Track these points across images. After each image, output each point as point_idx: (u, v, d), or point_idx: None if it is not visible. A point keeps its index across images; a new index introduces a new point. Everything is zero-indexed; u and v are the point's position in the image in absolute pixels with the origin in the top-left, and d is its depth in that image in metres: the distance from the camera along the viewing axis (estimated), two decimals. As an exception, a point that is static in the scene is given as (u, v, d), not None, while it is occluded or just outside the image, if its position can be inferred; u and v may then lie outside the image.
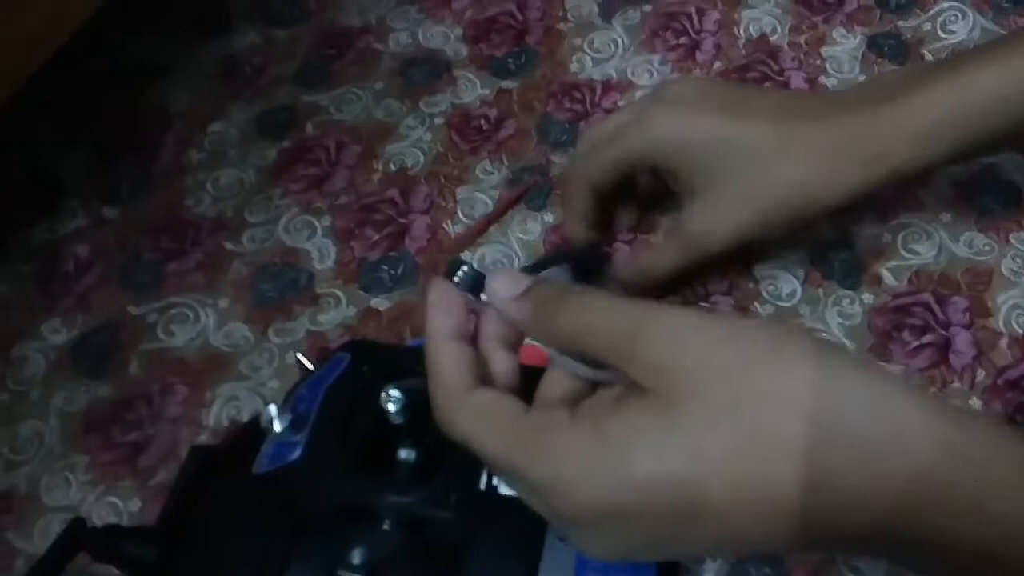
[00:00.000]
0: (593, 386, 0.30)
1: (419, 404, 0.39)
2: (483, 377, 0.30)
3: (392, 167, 0.60)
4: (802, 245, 0.53)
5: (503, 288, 0.31)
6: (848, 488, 0.23)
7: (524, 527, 0.36)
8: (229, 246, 0.57)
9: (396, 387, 0.38)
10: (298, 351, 0.50)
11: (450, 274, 0.32)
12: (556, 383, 0.30)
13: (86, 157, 0.63)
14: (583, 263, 0.39)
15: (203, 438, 0.49)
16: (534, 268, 0.38)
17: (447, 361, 0.29)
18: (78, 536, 0.40)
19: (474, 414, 0.28)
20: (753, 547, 0.25)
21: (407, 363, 0.42)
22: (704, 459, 0.24)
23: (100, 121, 0.64)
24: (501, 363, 0.31)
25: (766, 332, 0.25)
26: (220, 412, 0.50)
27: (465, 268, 0.31)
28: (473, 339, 0.31)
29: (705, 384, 0.25)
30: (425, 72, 0.64)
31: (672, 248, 0.45)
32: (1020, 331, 0.50)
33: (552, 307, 0.29)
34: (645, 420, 0.25)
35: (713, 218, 0.43)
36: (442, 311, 0.30)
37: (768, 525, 0.24)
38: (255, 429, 0.41)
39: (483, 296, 0.31)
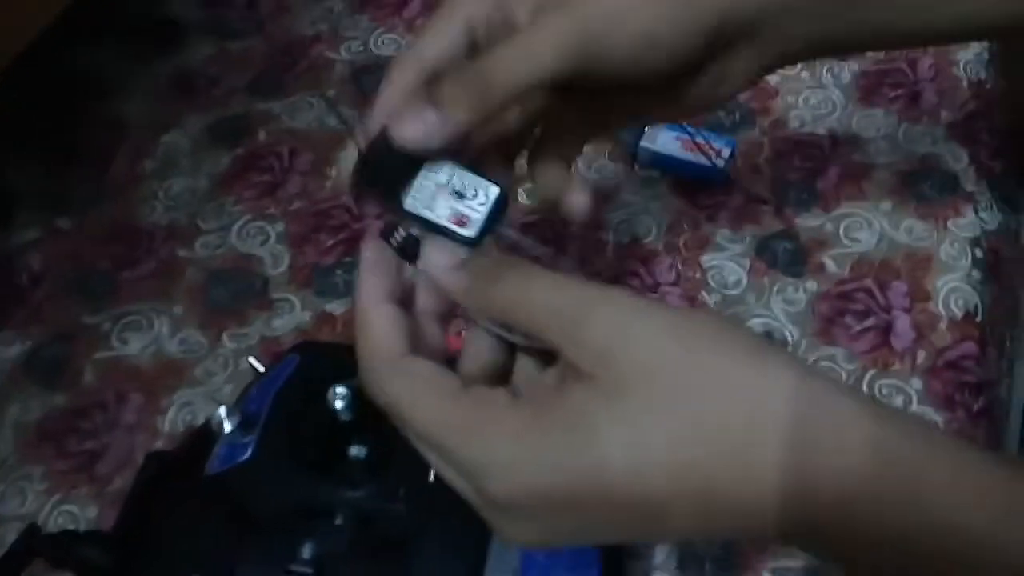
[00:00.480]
0: (511, 358, 0.30)
1: (367, 401, 0.39)
2: (414, 348, 0.28)
3: (345, 174, 0.60)
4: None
5: (440, 256, 0.29)
6: (783, 482, 0.24)
7: (473, 518, 0.37)
8: (183, 253, 0.57)
9: (343, 385, 0.38)
10: (252, 356, 0.51)
11: (386, 236, 0.30)
12: (478, 354, 0.29)
13: (38, 169, 0.63)
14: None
15: (159, 444, 0.50)
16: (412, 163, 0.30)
17: (381, 322, 0.28)
18: (33, 543, 0.40)
19: (408, 382, 0.27)
20: (686, 533, 0.25)
21: (356, 363, 0.42)
22: (648, 448, 0.24)
23: (52, 133, 0.64)
24: (433, 337, 0.30)
25: (708, 324, 0.26)
26: (176, 418, 0.51)
27: (402, 232, 0.30)
28: (406, 306, 0.30)
29: (650, 373, 0.24)
30: (378, 80, 0.64)
31: (536, 39, 0.30)
32: (959, 313, 0.51)
33: (490, 279, 0.28)
34: (589, 406, 0.24)
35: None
36: (375, 272, 0.29)
37: (705, 513, 0.24)
38: (208, 432, 0.42)
39: (418, 264, 0.30)
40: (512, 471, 0.25)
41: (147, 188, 0.61)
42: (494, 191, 0.30)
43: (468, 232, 0.30)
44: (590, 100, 0.35)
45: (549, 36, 0.30)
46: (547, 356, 0.29)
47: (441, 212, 0.30)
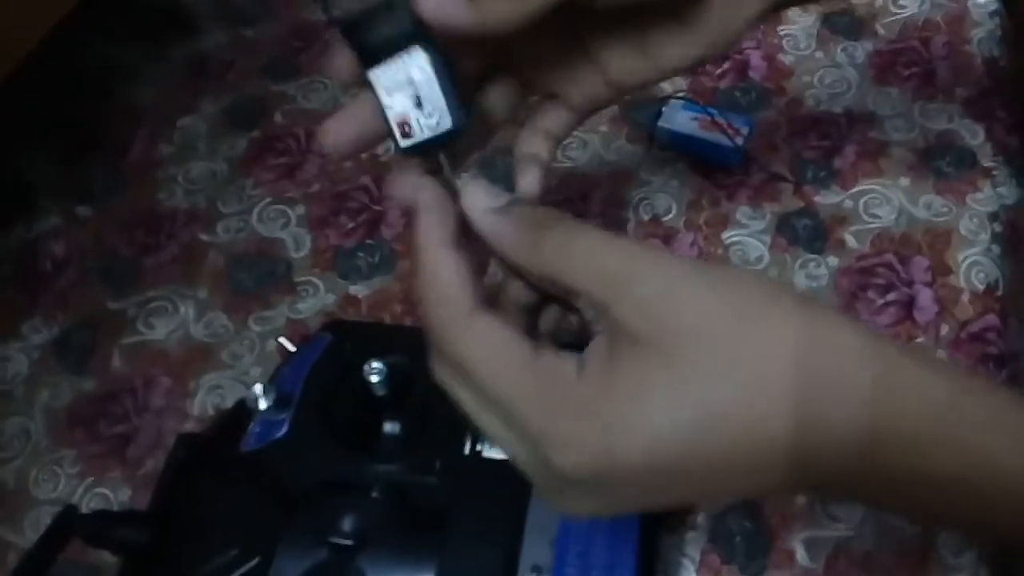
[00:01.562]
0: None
1: (401, 377, 0.40)
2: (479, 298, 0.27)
3: (363, 154, 0.60)
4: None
5: (482, 198, 0.27)
6: (833, 427, 0.24)
7: (509, 489, 0.37)
8: (204, 237, 0.58)
9: (378, 360, 0.39)
10: (280, 337, 0.51)
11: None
12: (518, 309, 0.29)
13: (58, 158, 0.63)
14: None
15: (189, 427, 0.50)
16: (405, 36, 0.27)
17: (449, 272, 0.26)
18: (70, 523, 0.40)
19: (481, 342, 0.25)
20: (745, 492, 0.26)
21: (388, 341, 0.43)
22: (709, 411, 0.24)
23: (70, 122, 0.65)
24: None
25: (757, 284, 0.26)
26: (204, 401, 0.51)
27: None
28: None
29: (705, 334, 0.24)
30: (392, 60, 0.65)
31: None
32: (980, 287, 0.51)
33: (538, 231, 0.27)
34: (652, 372, 0.24)
35: None
36: (437, 214, 0.27)
37: (763, 471, 0.24)
38: (241, 413, 0.42)
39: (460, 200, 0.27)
40: (581, 444, 0.24)
41: (165, 173, 0.61)
42: (446, 123, 0.27)
43: (402, 143, 0.28)
44: (598, 40, 0.33)
45: None
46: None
47: (395, 106, 0.27)
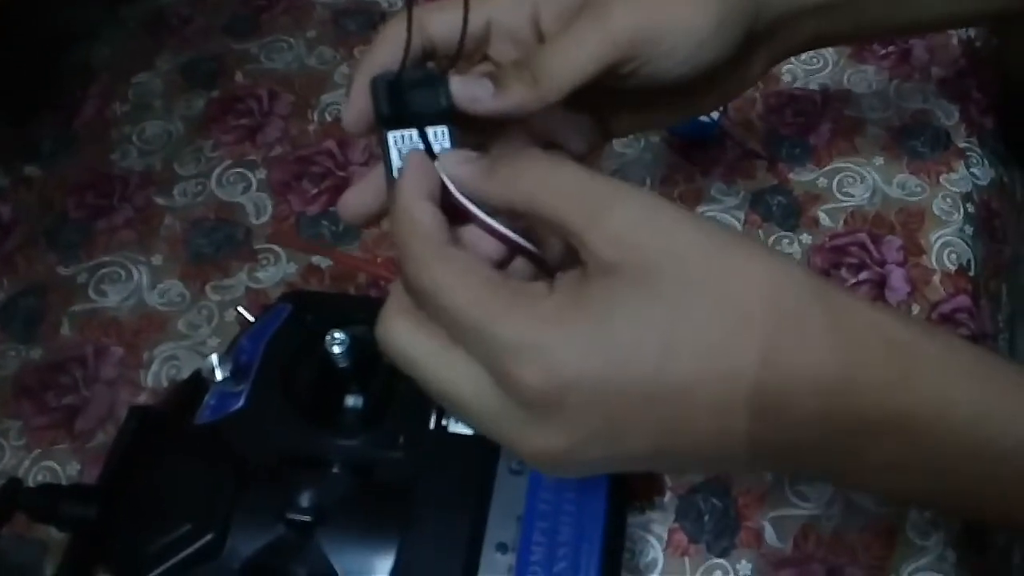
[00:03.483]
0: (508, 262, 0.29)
1: (364, 350, 0.38)
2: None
3: (328, 117, 0.58)
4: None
5: (459, 155, 0.29)
6: (799, 368, 0.24)
7: (474, 465, 0.36)
8: (160, 201, 0.55)
9: (341, 331, 0.37)
10: (238, 306, 0.49)
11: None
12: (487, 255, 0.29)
13: (5, 117, 0.60)
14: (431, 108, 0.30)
15: (142, 399, 0.48)
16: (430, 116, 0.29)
17: (425, 214, 0.27)
18: (14, 497, 0.39)
19: (450, 265, 0.26)
20: (708, 442, 0.25)
21: (351, 311, 0.41)
22: (677, 335, 0.24)
23: (19, 83, 0.62)
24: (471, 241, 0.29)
25: (727, 227, 0.27)
26: (159, 372, 0.49)
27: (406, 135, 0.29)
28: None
29: (677, 261, 0.24)
30: (359, 22, 0.63)
31: (594, 35, 0.31)
32: (952, 267, 0.51)
33: (515, 163, 0.27)
34: (623, 291, 0.24)
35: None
36: (420, 174, 0.28)
37: (723, 410, 0.24)
38: (196, 385, 0.40)
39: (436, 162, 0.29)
40: (552, 352, 0.24)
41: (119, 133, 0.59)
42: None
43: None
44: (612, 104, 0.36)
45: (607, 33, 0.31)
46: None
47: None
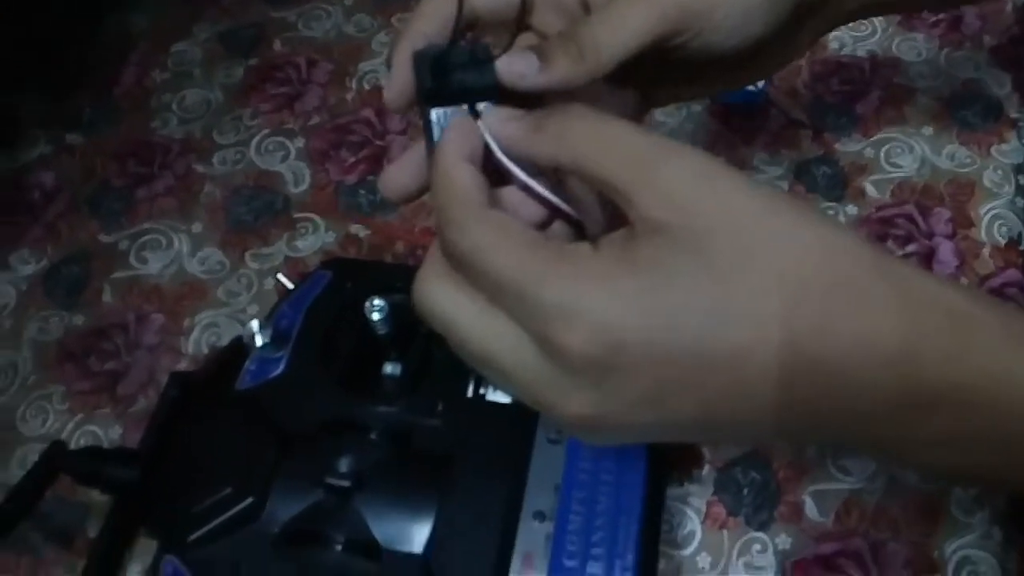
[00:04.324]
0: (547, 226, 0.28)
1: (403, 317, 0.38)
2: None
3: (366, 86, 0.58)
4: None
5: (503, 112, 0.28)
6: (854, 337, 0.23)
7: (512, 433, 0.36)
8: (200, 168, 0.56)
9: (380, 298, 0.37)
10: (278, 274, 0.49)
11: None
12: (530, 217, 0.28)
13: (47, 86, 0.60)
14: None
15: (183, 365, 0.48)
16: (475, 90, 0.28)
17: (465, 176, 0.26)
18: (58, 459, 0.39)
19: (490, 228, 0.25)
20: (749, 411, 0.24)
21: (390, 279, 0.41)
22: (732, 297, 0.23)
23: (60, 51, 0.62)
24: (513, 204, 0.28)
25: (778, 190, 0.25)
26: (199, 339, 0.49)
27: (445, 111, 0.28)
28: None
29: (730, 224, 0.23)
30: (398, -11, 0.63)
31: (643, 7, 0.30)
32: (1002, 240, 0.50)
33: (563, 119, 0.26)
34: (673, 253, 0.23)
35: None
36: (461, 136, 0.27)
37: (775, 379, 0.23)
38: (236, 351, 0.41)
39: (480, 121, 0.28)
40: (592, 317, 0.23)
41: (159, 101, 0.59)
42: None
43: None
44: (656, 76, 0.35)
45: (656, 5, 0.30)
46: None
47: None
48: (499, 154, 0.27)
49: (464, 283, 0.25)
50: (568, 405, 0.24)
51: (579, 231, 0.29)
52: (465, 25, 0.31)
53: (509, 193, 0.28)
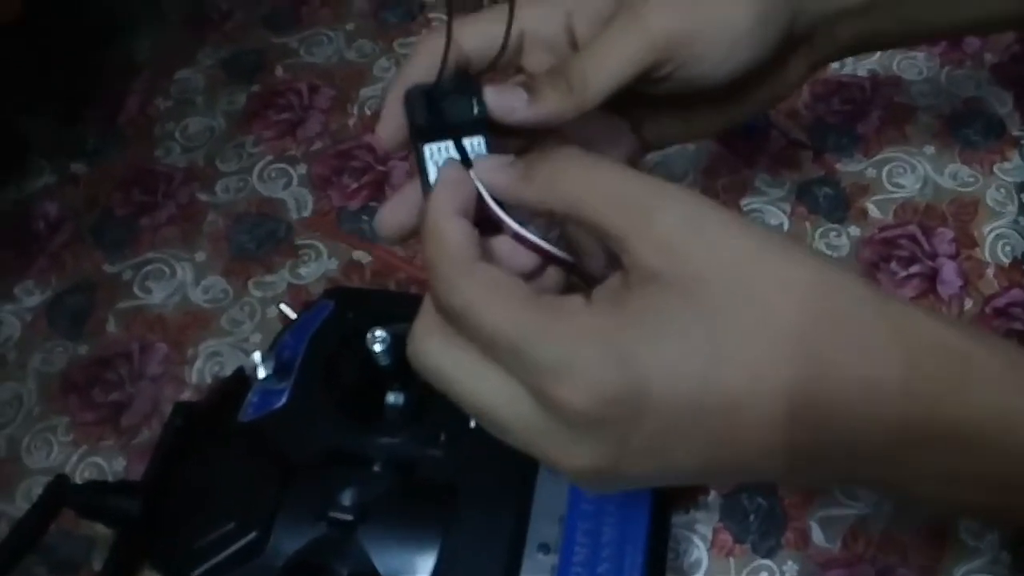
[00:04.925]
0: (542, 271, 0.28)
1: (405, 348, 0.38)
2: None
3: (368, 111, 0.58)
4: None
5: (494, 161, 0.28)
6: (851, 378, 0.23)
7: (516, 465, 0.36)
8: (203, 197, 0.56)
9: (382, 329, 0.37)
10: (282, 303, 0.50)
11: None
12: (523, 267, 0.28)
13: (52, 114, 0.61)
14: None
15: (186, 395, 0.48)
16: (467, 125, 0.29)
17: (455, 232, 0.26)
18: (62, 493, 0.39)
19: (482, 284, 0.25)
20: (750, 456, 0.24)
21: (392, 309, 0.41)
22: (727, 344, 0.23)
23: (63, 79, 0.62)
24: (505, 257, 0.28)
25: (771, 230, 0.26)
26: (203, 369, 0.49)
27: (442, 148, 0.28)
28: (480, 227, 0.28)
29: (723, 269, 0.23)
30: (399, 14, 0.63)
31: (629, 38, 0.30)
32: (1006, 260, 0.50)
33: (555, 163, 0.26)
34: (667, 302, 0.23)
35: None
36: (453, 188, 0.27)
37: (773, 424, 0.23)
38: (239, 381, 0.41)
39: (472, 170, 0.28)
40: (587, 373, 0.23)
41: (162, 129, 0.59)
42: None
43: None
44: (649, 113, 0.35)
45: (643, 34, 0.30)
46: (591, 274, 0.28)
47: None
48: (492, 204, 0.27)
49: (458, 337, 0.25)
50: (568, 458, 0.24)
51: (576, 274, 0.29)
52: (457, 68, 0.31)
53: (501, 242, 0.28)
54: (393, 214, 0.31)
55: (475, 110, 0.28)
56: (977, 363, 0.24)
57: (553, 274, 0.28)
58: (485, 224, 0.27)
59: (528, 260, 0.28)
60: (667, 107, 0.35)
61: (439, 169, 0.28)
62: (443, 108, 0.28)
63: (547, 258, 0.28)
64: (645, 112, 0.35)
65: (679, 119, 0.36)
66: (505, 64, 0.32)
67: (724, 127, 0.38)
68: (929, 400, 0.23)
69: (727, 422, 0.23)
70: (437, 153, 0.28)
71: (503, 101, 0.28)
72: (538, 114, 0.29)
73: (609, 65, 0.30)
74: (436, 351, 0.26)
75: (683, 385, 0.23)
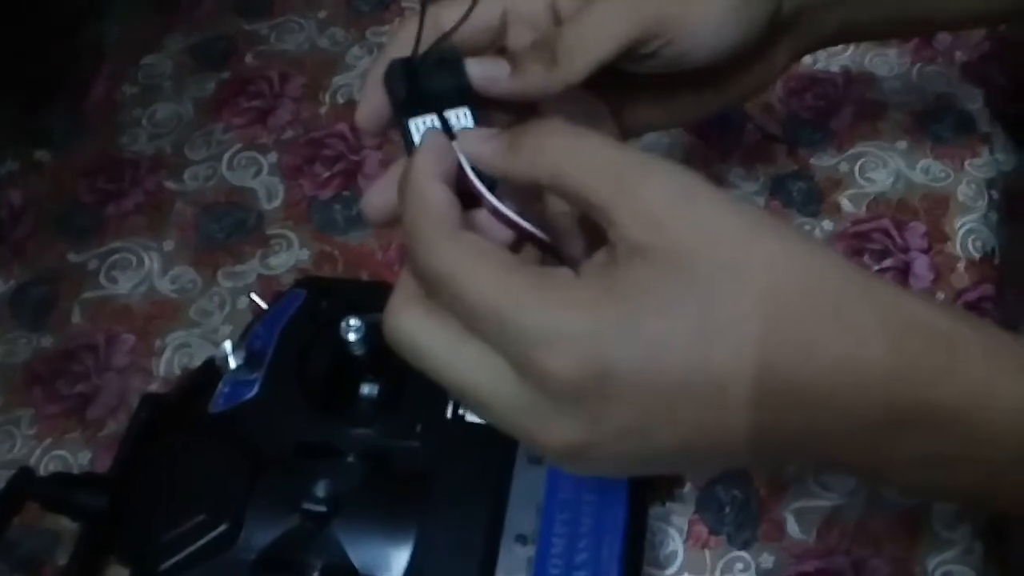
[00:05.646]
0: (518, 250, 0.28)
1: (380, 337, 0.37)
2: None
3: (340, 100, 0.58)
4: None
5: (479, 134, 0.27)
6: (837, 359, 0.23)
7: (493, 454, 0.36)
8: (170, 185, 0.55)
9: (356, 317, 0.36)
10: (251, 293, 0.49)
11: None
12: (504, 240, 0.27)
13: (15, 101, 0.59)
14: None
15: (154, 387, 0.47)
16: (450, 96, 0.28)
17: (438, 194, 0.25)
18: (25, 486, 0.38)
19: (466, 250, 0.24)
20: (730, 438, 0.24)
21: (365, 298, 0.40)
22: (713, 321, 0.23)
23: (29, 64, 0.61)
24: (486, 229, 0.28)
25: (759, 209, 0.26)
26: (171, 360, 0.48)
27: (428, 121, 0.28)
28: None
29: (711, 245, 0.23)
30: (372, 3, 0.62)
31: (616, 12, 0.30)
32: (977, 255, 0.50)
33: (539, 136, 0.26)
34: (654, 277, 0.23)
35: None
36: (435, 153, 0.26)
37: (757, 404, 0.23)
38: (209, 373, 0.40)
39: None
40: (580, 345, 0.22)
41: (128, 115, 0.58)
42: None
43: None
44: (631, 95, 0.35)
45: (629, 10, 0.30)
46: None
47: None
48: (471, 175, 0.27)
49: (436, 310, 0.25)
50: (549, 433, 0.24)
51: (552, 254, 0.28)
52: (436, 42, 0.30)
53: (479, 215, 0.27)
54: (380, 195, 0.30)
55: (457, 78, 0.28)
56: (962, 345, 0.24)
57: (529, 253, 0.28)
58: (464, 199, 0.26)
59: (504, 236, 0.27)
60: (647, 91, 0.34)
61: (422, 135, 0.27)
62: (425, 80, 0.28)
63: (523, 236, 0.27)
64: (626, 96, 0.35)
65: (659, 105, 0.36)
66: (488, 44, 0.31)
67: (703, 114, 0.38)
68: (914, 382, 0.23)
69: (707, 400, 0.23)
70: (423, 126, 0.28)
71: (485, 71, 0.28)
72: (520, 85, 0.28)
73: (595, 38, 0.29)
74: (413, 324, 0.25)
75: (670, 362, 0.23)
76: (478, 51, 0.31)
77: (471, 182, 0.27)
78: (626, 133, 0.36)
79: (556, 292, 0.23)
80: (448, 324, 0.24)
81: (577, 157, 0.25)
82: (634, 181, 0.24)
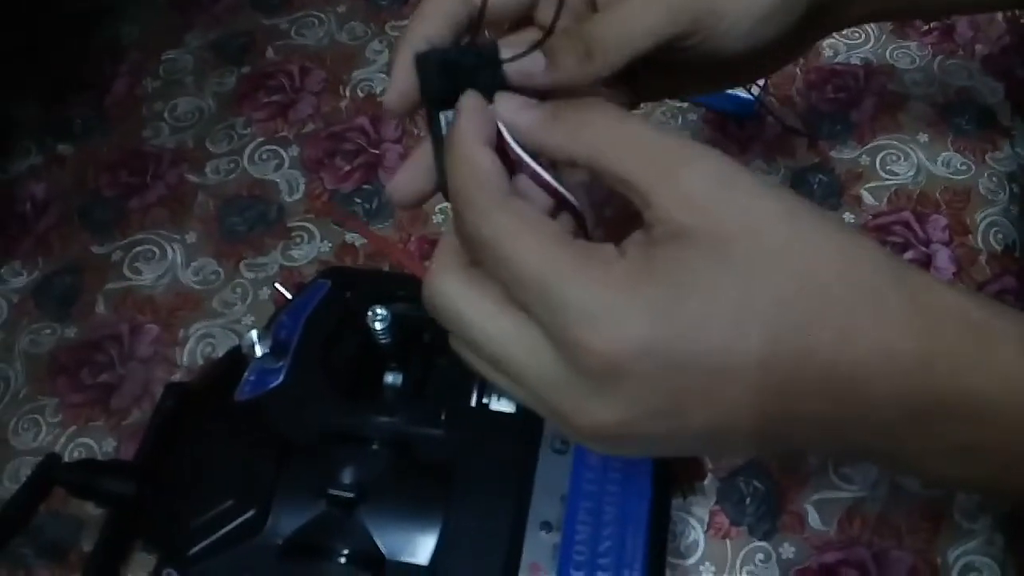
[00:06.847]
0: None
1: (405, 327, 0.38)
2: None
3: (360, 93, 0.58)
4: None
5: (518, 99, 0.27)
6: (872, 346, 0.23)
7: (517, 441, 0.36)
8: (192, 178, 0.55)
9: (382, 306, 0.37)
10: (276, 283, 0.49)
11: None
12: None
13: (39, 95, 0.60)
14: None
15: (177, 377, 0.48)
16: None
17: (487, 159, 0.25)
18: (53, 472, 0.39)
19: (514, 218, 0.24)
20: (764, 423, 0.23)
21: (389, 288, 0.41)
22: (752, 305, 0.22)
23: (52, 59, 0.61)
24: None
25: (796, 195, 0.25)
26: (194, 350, 0.49)
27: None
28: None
29: (751, 229, 0.23)
30: (392, -6, 0.62)
31: (653, 9, 0.30)
32: (998, 247, 0.50)
33: (581, 112, 0.25)
34: (694, 259, 0.23)
35: None
36: (478, 118, 0.26)
37: (794, 391, 0.23)
38: (234, 361, 0.40)
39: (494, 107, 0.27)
40: (619, 323, 0.22)
41: (150, 110, 0.58)
42: None
43: None
44: (652, 72, 0.34)
45: (667, 6, 0.30)
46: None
47: None
48: (510, 140, 0.26)
49: (479, 278, 0.25)
50: (582, 411, 0.24)
51: (582, 227, 0.28)
52: (468, 23, 0.29)
53: (518, 184, 0.27)
54: (408, 178, 0.30)
55: (493, 77, 0.27)
56: (995, 334, 0.24)
57: (566, 222, 0.27)
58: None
59: (543, 204, 0.27)
60: (673, 71, 0.34)
61: (460, 99, 0.27)
62: (459, 75, 0.27)
63: (560, 204, 0.27)
64: (651, 75, 0.34)
65: (673, 78, 0.35)
66: (518, 19, 0.31)
67: (717, 89, 0.38)
68: (946, 371, 0.23)
69: (748, 385, 0.23)
70: (452, 116, 0.28)
71: (521, 67, 0.27)
72: (555, 80, 0.28)
73: (630, 34, 0.29)
74: (454, 289, 0.25)
75: (708, 344, 0.23)
76: (505, 22, 0.30)
77: (512, 147, 0.26)
78: (640, 98, 0.36)
79: (601, 269, 0.23)
80: (488, 292, 0.24)
81: (618, 137, 0.25)
82: (675, 165, 0.24)
